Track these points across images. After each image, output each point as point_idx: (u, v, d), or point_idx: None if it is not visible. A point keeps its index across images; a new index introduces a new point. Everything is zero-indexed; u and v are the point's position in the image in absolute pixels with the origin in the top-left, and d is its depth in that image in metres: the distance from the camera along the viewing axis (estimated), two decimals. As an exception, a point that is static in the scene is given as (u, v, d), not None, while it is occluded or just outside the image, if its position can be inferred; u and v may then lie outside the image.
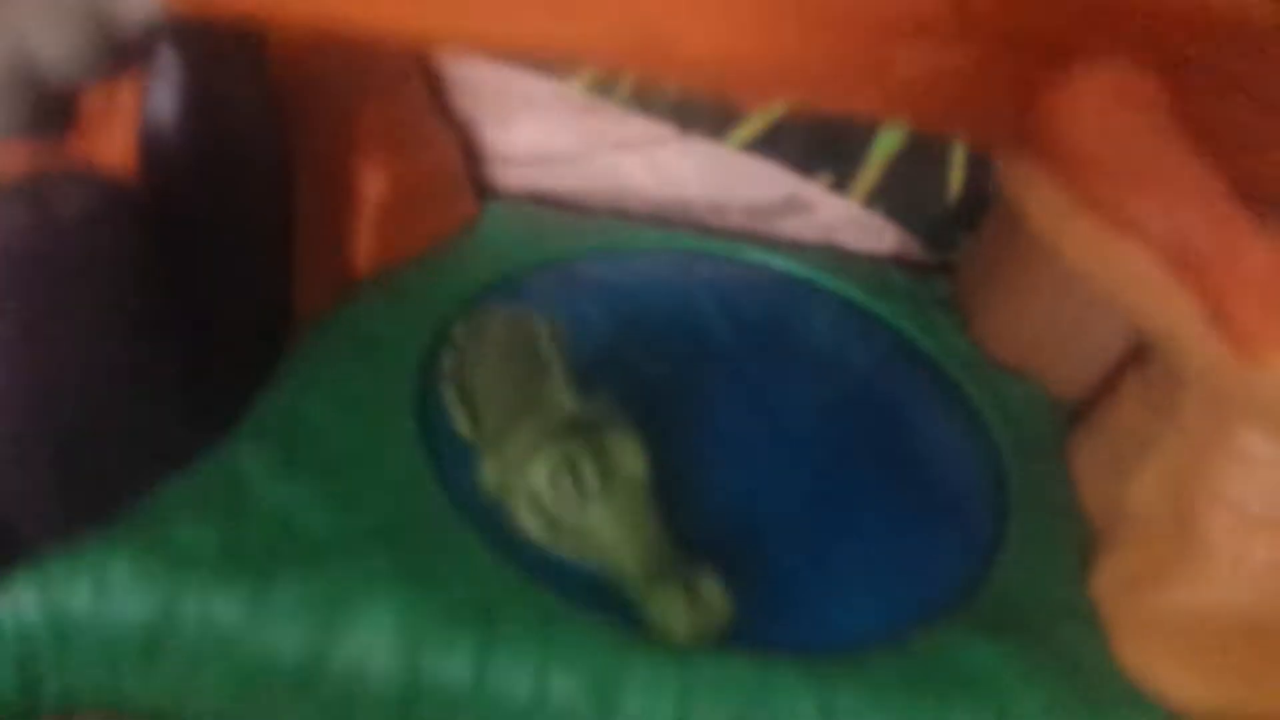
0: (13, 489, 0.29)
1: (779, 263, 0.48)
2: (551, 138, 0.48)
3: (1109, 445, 0.40)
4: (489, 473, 0.35)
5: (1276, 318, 0.25)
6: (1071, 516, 0.39)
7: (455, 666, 0.30)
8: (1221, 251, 0.24)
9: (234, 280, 0.35)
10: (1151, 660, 0.34)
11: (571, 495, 0.34)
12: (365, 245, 0.42)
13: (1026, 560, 0.37)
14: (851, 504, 0.38)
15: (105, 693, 0.31)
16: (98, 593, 0.30)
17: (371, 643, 0.30)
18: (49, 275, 0.28)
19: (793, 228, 0.50)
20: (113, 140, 0.32)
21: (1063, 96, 0.24)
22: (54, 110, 0.30)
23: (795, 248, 0.49)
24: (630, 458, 0.34)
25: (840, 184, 0.48)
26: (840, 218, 0.49)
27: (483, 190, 0.48)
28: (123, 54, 0.30)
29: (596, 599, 0.33)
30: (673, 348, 0.43)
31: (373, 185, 0.41)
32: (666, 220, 0.49)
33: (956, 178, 0.48)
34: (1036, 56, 0.24)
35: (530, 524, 0.34)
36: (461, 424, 0.37)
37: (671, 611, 0.32)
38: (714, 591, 0.32)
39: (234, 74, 0.33)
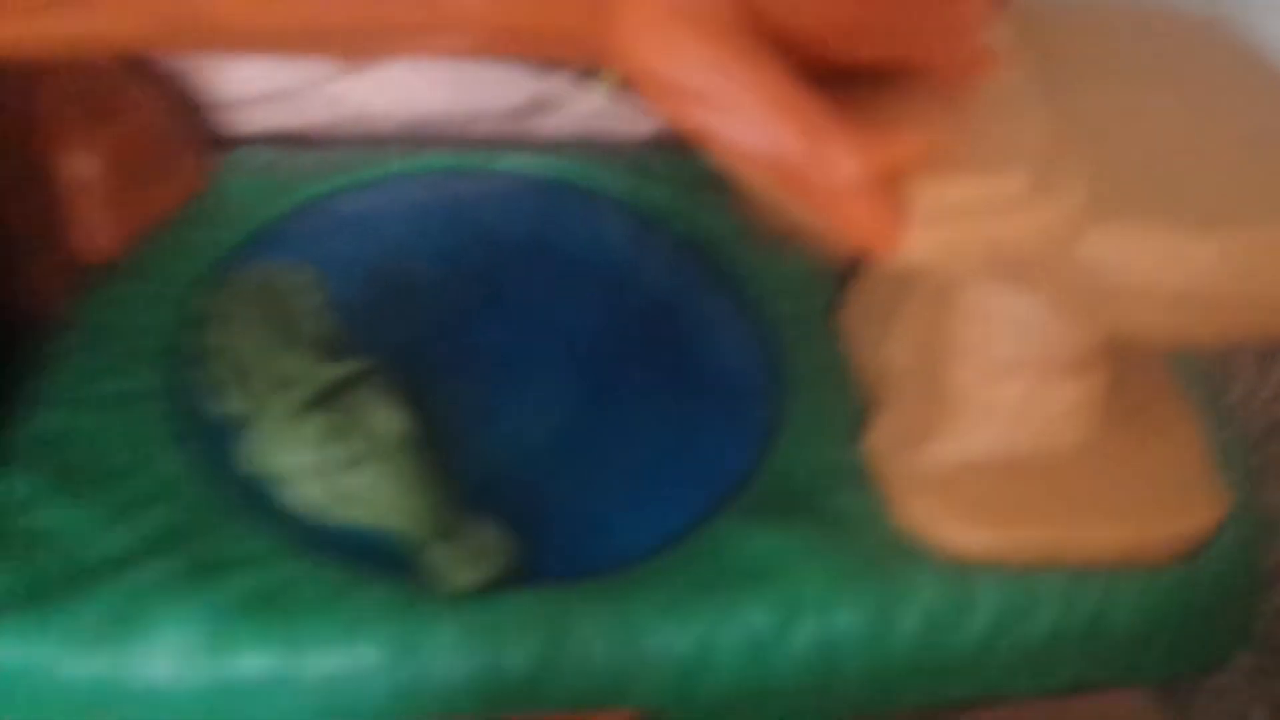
0: None
1: (534, 167, 0.47)
2: (273, 72, 0.46)
3: (873, 307, 0.41)
4: (254, 456, 0.35)
5: (883, 213, 0.25)
6: (847, 384, 0.40)
7: (255, 661, 0.31)
8: (816, 160, 0.24)
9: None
10: (927, 514, 0.36)
11: (344, 466, 0.34)
12: (92, 229, 0.40)
13: (804, 436, 0.38)
14: (631, 414, 0.39)
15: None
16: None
17: (171, 655, 0.31)
18: None
19: (551, 126, 0.49)
20: None
21: (630, 19, 0.24)
22: None
23: (553, 148, 0.48)
24: (389, 417, 0.35)
25: (586, 73, 0.48)
26: (594, 107, 0.49)
27: (219, 141, 0.46)
28: None
29: (386, 563, 0.33)
30: (436, 278, 0.43)
31: (81, 165, 0.39)
32: (420, 140, 0.48)
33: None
34: None
35: (307, 497, 0.34)
36: (226, 406, 0.36)
37: (449, 565, 0.33)
38: (493, 538, 0.33)
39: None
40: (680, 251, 0.46)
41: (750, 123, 0.24)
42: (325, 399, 0.34)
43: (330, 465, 0.33)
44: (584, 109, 0.49)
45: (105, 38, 0.22)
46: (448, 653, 0.32)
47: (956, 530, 0.35)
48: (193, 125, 0.45)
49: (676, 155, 0.48)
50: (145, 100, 0.42)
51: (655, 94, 0.24)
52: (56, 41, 0.22)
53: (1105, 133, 0.32)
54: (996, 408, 0.36)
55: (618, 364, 0.41)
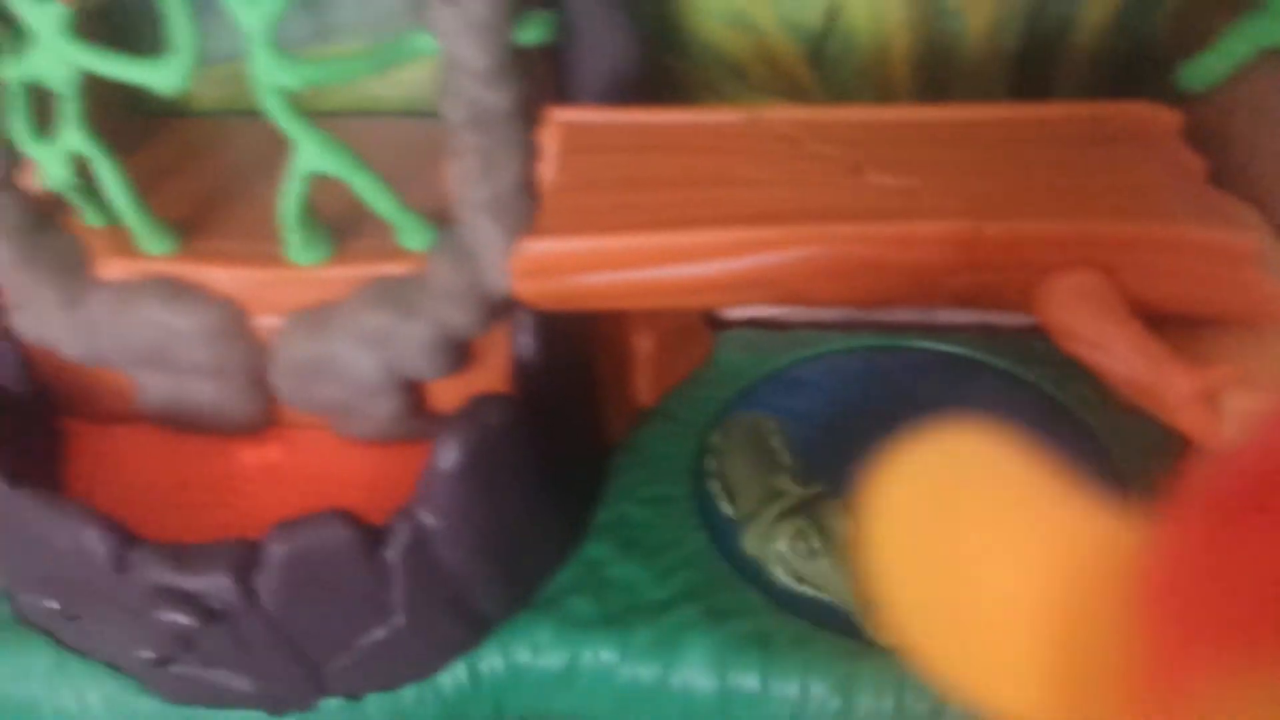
0: (484, 591, 0.48)
1: (943, 347, 0.64)
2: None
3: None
4: (749, 544, 0.52)
5: (1209, 417, 0.39)
6: (1179, 526, 0.53)
7: (749, 681, 0.48)
8: (1161, 384, 0.39)
9: (575, 436, 0.54)
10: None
11: (806, 556, 0.51)
12: (643, 386, 0.60)
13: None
14: (1009, 534, 0.54)
15: (541, 711, 0.51)
16: (532, 651, 0.50)
17: (695, 669, 0.48)
18: (491, 463, 0.46)
19: (953, 314, 0.65)
20: (495, 366, 0.51)
21: (1046, 293, 0.39)
22: (461, 354, 0.50)
23: (955, 331, 0.64)
24: (842, 524, 0.51)
25: (984, 278, 0.63)
26: (988, 302, 0.64)
27: (715, 324, 0.66)
28: (495, 312, 0.49)
29: (834, 623, 0.49)
30: (866, 426, 0.59)
31: (643, 344, 0.60)
32: (853, 323, 0.65)
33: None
34: (1026, 272, 0.39)
35: (782, 576, 0.52)
36: (725, 509, 0.55)
37: (879, 630, 0.48)
38: (909, 613, 0.49)
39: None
40: (1052, 414, 0.60)
41: (1119, 359, 0.40)
42: (797, 510, 0.52)
43: (800, 555, 0.51)
44: (981, 302, 0.64)
45: (755, 302, 0.41)
46: (869, 695, 0.48)
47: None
48: (705, 313, 0.65)
49: (1051, 339, 0.63)
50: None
51: (1059, 336, 0.41)
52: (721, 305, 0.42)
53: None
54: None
55: (999, 499, 0.56)
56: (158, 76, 0.40)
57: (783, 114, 0.42)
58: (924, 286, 0.38)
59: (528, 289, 0.39)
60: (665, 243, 0.37)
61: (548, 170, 0.41)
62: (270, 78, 0.40)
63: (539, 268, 0.38)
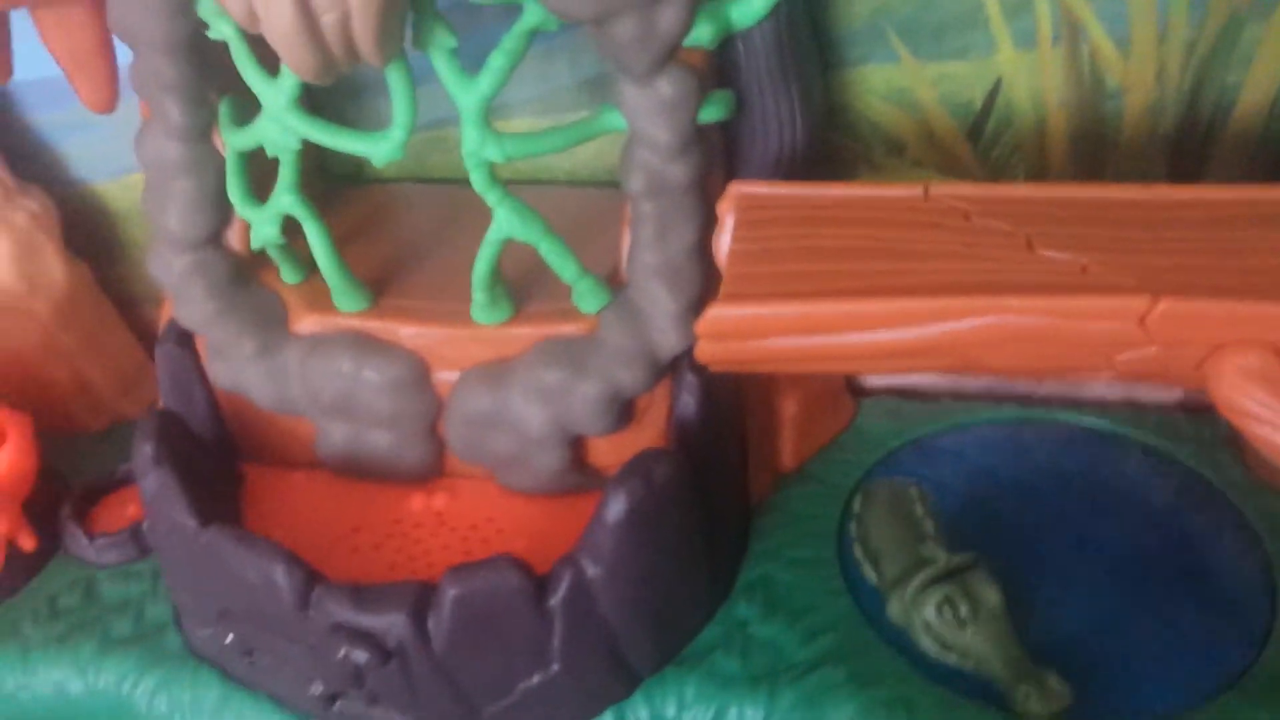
0: (636, 643, 0.50)
1: (1088, 421, 0.64)
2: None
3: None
4: (894, 610, 0.53)
5: None
6: (1330, 609, 0.52)
7: (890, 743, 0.49)
8: None
9: (725, 495, 0.55)
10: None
11: (953, 624, 0.51)
12: (787, 449, 0.62)
13: (1291, 645, 0.51)
14: (1153, 607, 0.54)
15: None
16: (678, 705, 0.51)
17: (844, 728, 0.50)
18: (653, 517, 0.48)
19: (1099, 390, 0.65)
20: (651, 424, 0.53)
21: (1216, 370, 0.40)
22: (626, 412, 0.52)
23: (1100, 406, 0.65)
24: (990, 593, 0.52)
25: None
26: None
27: (857, 391, 0.67)
28: (660, 372, 0.51)
29: (978, 693, 0.50)
30: (1011, 498, 0.60)
31: (788, 408, 0.61)
32: (996, 395, 0.66)
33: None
34: (1196, 348, 0.40)
35: (927, 644, 0.52)
36: (869, 574, 0.56)
37: (1030, 701, 0.49)
38: (1057, 684, 0.49)
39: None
40: (1196, 493, 0.59)
41: None
42: (944, 578, 0.53)
43: (947, 624, 0.51)
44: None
45: (930, 369, 0.43)
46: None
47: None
48: (848, 381, 0.66)
49: (1198, 418, 0.63)
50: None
51: (1228, 412, 0.41)
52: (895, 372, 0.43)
53: None
54: None
55: (1142, 572, 0.55)
56: (376, 148, 0.43)
57: (952, 189, 0.44)
58: (1095, 359, 0.39)
59: (711, 352, 0.42)
60: (848, 310, 0.39)
61: (727, 240, 0.44)
62: (478, 150, 0.43)
63: (725, 331, 0.40)
